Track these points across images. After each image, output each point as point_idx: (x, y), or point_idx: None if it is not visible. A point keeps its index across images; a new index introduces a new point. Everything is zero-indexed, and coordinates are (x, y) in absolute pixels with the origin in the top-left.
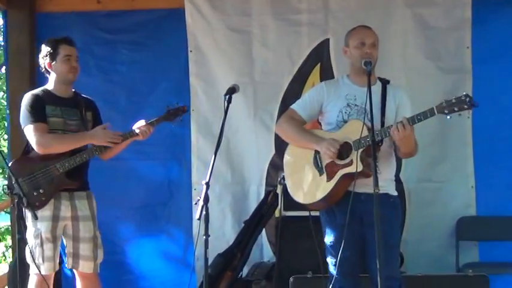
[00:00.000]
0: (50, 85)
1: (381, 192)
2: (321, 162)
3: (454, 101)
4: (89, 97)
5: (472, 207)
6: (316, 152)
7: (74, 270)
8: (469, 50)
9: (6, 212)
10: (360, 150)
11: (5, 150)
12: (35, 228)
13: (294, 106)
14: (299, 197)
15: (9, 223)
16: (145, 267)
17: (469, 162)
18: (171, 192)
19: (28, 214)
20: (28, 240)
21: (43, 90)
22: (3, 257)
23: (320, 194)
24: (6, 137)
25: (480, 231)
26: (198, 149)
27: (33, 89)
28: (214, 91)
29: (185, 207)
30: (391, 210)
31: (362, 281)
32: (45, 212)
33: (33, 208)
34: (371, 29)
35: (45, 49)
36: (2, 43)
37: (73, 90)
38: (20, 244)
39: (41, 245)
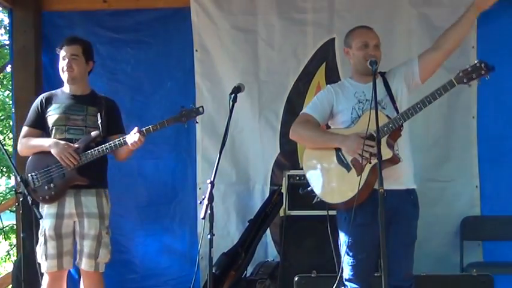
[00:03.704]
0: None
1: (403, 188)
2: (345, 159)
3: (470, 69)
4: (108, 97)
5: (477, 207)
6: (338, 150)
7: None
8: (474, 49)
9: (10, 211)
10: (386, 137)
11: (10, 149)
12: (41, 226)
13: (305, 110)
14: (331, 199)
15: (13, 222)
16: (150, 266)
17: (473, 162)
18: (176, 191)
19: (42, 213)
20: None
21: (56, 90)
22: (8, 256)
23: (353, 191)
24: (11, 135)
25: (484, 231)
26: (203, 148)
27: (38, 88)
28: (219, 90)
29: (190, 206)
30: (412, 208)
31: (375, 280)
32: (50, 209)
33: (44, 202)
34: (372, 29)
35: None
36: (8, 42)
37: (90, 89)
38: (24, 243)
39: (45, 242)
